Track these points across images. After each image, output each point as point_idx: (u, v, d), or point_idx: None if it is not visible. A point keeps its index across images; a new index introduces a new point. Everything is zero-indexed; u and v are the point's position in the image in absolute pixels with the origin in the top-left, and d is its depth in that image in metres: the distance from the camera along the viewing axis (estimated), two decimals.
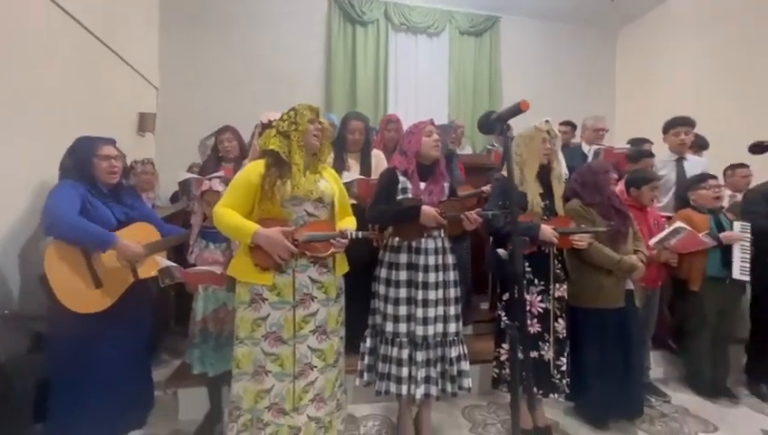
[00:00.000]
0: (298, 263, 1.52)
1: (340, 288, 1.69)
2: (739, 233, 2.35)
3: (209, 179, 1.88)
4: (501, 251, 1.46)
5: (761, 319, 2.55)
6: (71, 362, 1.67)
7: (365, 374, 1.81)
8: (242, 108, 3.23)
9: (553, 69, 5.15)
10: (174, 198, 3.10)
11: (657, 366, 2.63)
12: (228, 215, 1.48)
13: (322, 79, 4.59)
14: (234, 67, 4.29)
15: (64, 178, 1.76)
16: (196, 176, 2.17)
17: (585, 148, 3.31)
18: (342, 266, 1.67)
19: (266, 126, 2.04)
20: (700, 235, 2.27)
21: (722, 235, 2.35)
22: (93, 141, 1.80)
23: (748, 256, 2.37)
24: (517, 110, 1.00)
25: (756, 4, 3.63)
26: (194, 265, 1.80)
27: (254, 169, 1.56)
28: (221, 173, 2.20)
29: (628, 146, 3.02)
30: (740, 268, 2.35)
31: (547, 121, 3.02)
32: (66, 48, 2.61)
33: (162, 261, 1.65)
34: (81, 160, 1.75)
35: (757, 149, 1.86)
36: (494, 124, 1.06)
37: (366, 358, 1.81)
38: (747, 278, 2.34)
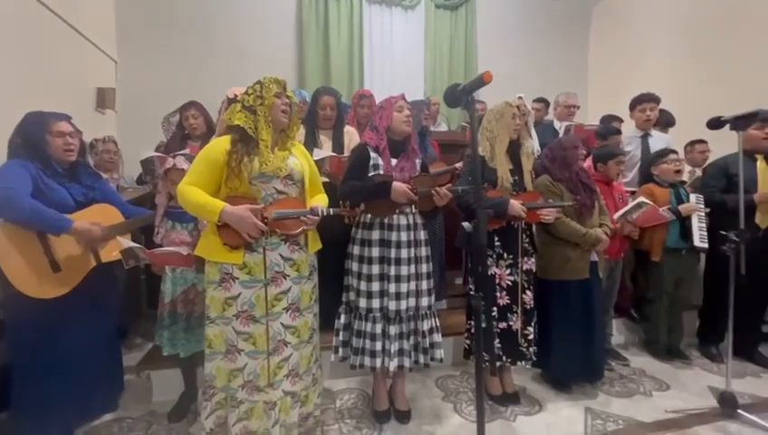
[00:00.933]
0: (269, 241, 1.50)
1: (313, 265, 1.68)
2: (695, 204, 2.47)
3: (173, 157, 1.80)
4: (466, 224, 1.48)
5: (713, 286, 2.72)
6: (32, 348, 1.60)
7: (340, 350, 1.84)
8: (209, 83, 3.11)
9: (528, 46, 5.15)
10: (141, 180, 2.97)
11: (618, 333, 2.80)
12: (193, 192, 1.44)
13: (294, 54, 4.43)
14: (199, 40, 4.07)
15: (13, 157, 1.64)
16: (158, 154, 2.07)
17: (557, 124, 3.36)
18: (315, 244, 1.66)
19: (233, 101, 1.97)
20: (660, 209, 2.38)
21: (680, 206, 2.47)
22: (45, 117, 1.69)
23: (705, 226, 2.50)
24: (481, 82, 1.00)
25: None
26: (160, 247, 1.75)
27: (218, 145, 1.50)
28: (186, 151, 2.12)
29: (598, 123, 3.09)
30: (699, 237, 2.48)
31: (520, 98, 3.04)
32: (11, 18, 2.40)
33: (125, 242, 1.59)
34: (31, 138, 1.64)
35: (714, 124, 1.92)
36: (460, 96, 1.05)
37: (341, 334, 1.84)
38: (706, 245, 2.47)
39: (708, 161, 2.99)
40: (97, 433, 1.78)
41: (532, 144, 3.07)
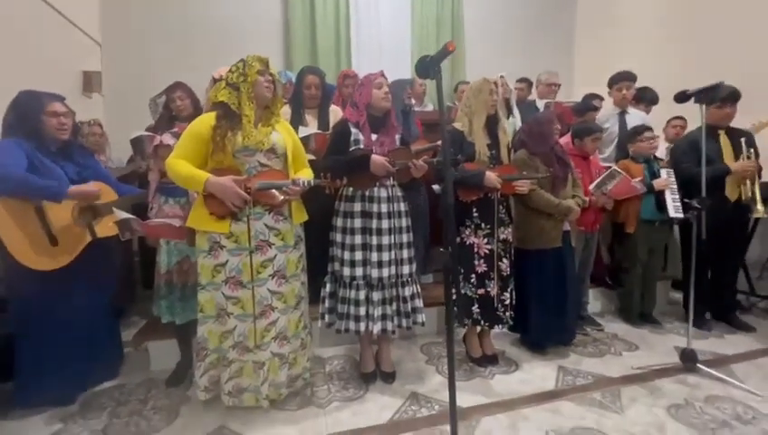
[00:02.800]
0: (253, 211, 1.59)
1: (299, 236, 1.78)
2: (666, 178, 2.58)
3: (160, 134, 1.87)
4: (435, 187, 1.58)
5: (687, 258, 2.84)
6: (33, 318, 1.70)
7: (326, 316, 1.94)
8: (195, 65, 3.10)
9: (515, 28, 5.16)
10: (131, 161, 3.02)
11: (594, 301, 2.94)
12: (180, 165, 1.52)
13: (280, 36, 4.44)
14: (185, 22, 4.06)
15: (7, 135, 1.70)
16: (147, 133, 2.12)
17: (539, 103, 3.44)
18: (300, 215, 1.75)
19: (218, 81, 2.02)
20: (632, 181, 2.49)
21: (654, 181, 2.58)
22: (41, 97, 1.74)
23: (678, 197, 2.62)
24: (446, 52, 1.08)
25: None
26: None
27: (204, 120, 1.58)
28: (175, 130, 2.17)
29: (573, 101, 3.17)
30: (674, 208, 2.59)
31: (502, 77, 3.12)
32: None
33: (120, 213, 1.67)
34: (27, 117, 1.70)
35: (680, 97, 2.01)
36: (429, 67, 1.13)
37: (327, 301, 1.94)
38: (681, 215, 2.58)
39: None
40: (98, 398, 1.88)
41: (513, 120, 3.17)
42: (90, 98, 3.56)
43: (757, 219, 2.54)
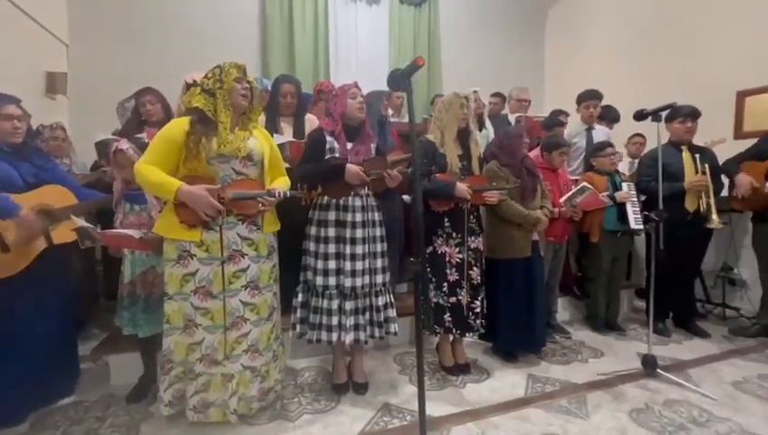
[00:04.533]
0: (226, 220, 1.56)
1: (272, 246, 1.75)
2: (627, 192, 2.73)
3: (117, 140, 1.81)
4: (406, 197, 1.60)
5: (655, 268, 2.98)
6: None
7: (298, 326, 1.91)
8: (167, 70, 3.04)
9: (489, 44, 5.35)
10: (96, 166, 2.90)
11: (563, 310, 3.04)
12: (150, 171, 1.47)
13: (258, 46, 4.42)
14: (157, 25, 3.97)
15: None
16: (113, 137, 2.06)
17: (510, 117, 3.56)
18: (271, 225, 1.73)
19: (192, 86, 1.99)
20: (600, 195, 2.61)
21: (616, 194, 2.72)
22: None
23: (639, 210, 2.76)
24: (415, 66, 1.12)
25: None
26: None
27: (177, 125, 1.54)
28: (143, 135, 2.12)
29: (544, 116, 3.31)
30: (634, 220, 2.74)
31: (475, 91, 3.22)
32: None
33: (78, 220, 1.60)
34: None
35: (639, 116, 2.14)
36: (400, 80, 1.16)
37: (299, 311, 1.91)
38: (641, 227, 2.72)
39: (643, 153, 3.28)
40: (51, 417, 1.76)
41: (486, 133, 3.27)
42: (53, 99, 3.42)
43: (711, 230, 2.71)
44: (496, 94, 3.89)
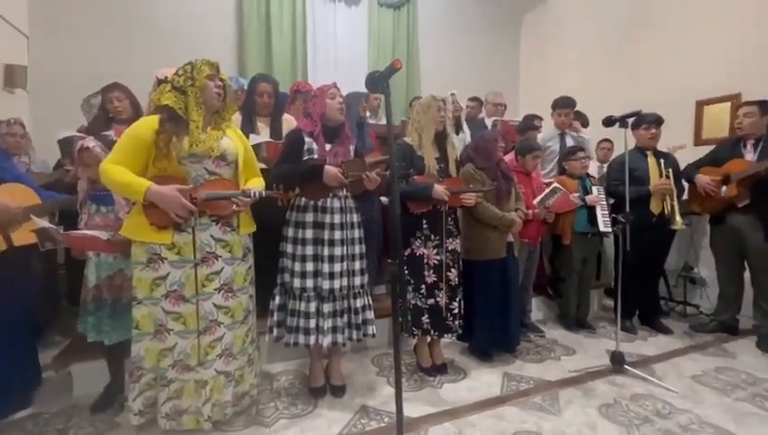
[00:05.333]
0: (199, 221, 1.52)
1: (247, 248, 1.72)
2: (597, 196, 2.84)
3: (82, 138, 1.73)
4: (383, 198, 1.61)
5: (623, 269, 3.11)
6: None
7: (275, 330, 1.88)
8: (137, 65, 2.93)
9: (466, 48, 5.46)
10: (59, 164, 2.75)
11: (537, 310, 3.13)
12: (117, 171, 1.42)
13: (234, 44, 4.32)
14: (125, 18, 3.82)
15: None
16: (78, 134, 1.96)
17: (487, 121, 3.64)
18: (247, 226, 1.69)
19: (162, 82, 1.93)
20: (571, 196, 2.70)
21: (587, 197, 2.83)
22: None
23: (608, 213, 2.88)
24: (393, 69, 1.13)
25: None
26: None
27: (146, 124, 1.49)
28: (111, 133, 2.03)
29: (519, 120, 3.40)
30: (603, 223, 2.85)
31: (453, 94, 3.27)
32: None
33: (39, 221, 1.52)
34: None
35: (607, 122, 2.23)
36: (378, 82, 1.16)
37: (275, 314, 1.88)
38: (610, 229, 2.83)
39: (611, 158, 3.42)
40: (8, 431, 1.66)
41: (464, 136, 3.32)
42: (12, 93, 3.22)
43: (674, 232, 2.86)
44: (473, 98, 3.97)
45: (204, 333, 1.53)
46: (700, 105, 3.61)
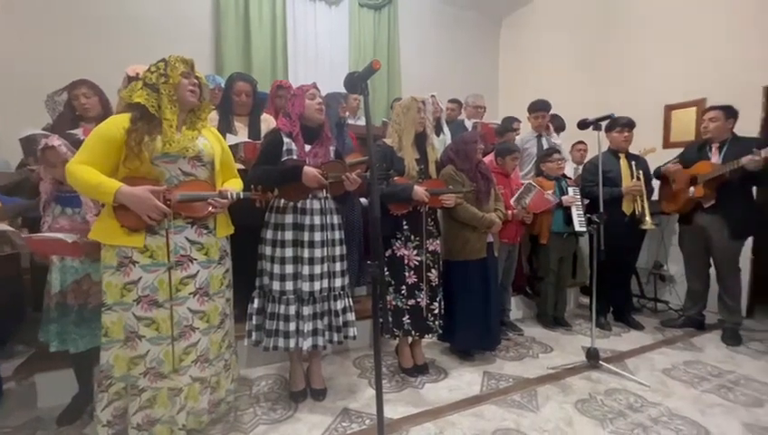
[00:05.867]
0: (173, 223, 1.47)
1: (225, 250, 1.67)
2: (572, 196, 2.91)
3: (47, 136, 1.64)
4: (363, 199, 1.60)
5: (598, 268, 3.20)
6: None
7: (253, 334, 1.84)
8: (108, 62, 2.83)
9: (446, 50, 5.50)
10: (22, 164, 2.61)
11: (516, 308, 3.18)
12: (85, 172, 1.35)
13: (211, 43, 4.21)
14: (97, 11, 3.65)
15: None
16: (43, 132, 1.86)
17: (467, 123, 3.68)
18: (225, 228, 1.65)
19: (133, 79, 1.86)
20: (545, 193, 2.76)
21: (563, 198, 2.90)
22: None
23: (582, 213, 2.96)
24: (372, 70, 1.12)
25: (609, 2, 4.37)
26: None
27: (116, 122, 1.43)
28: (79, 131, 1.95)
29: (499, 122, 3.45)
30: (578, 223, 2.93)
31: (433, 96, 3.29)
32: None
33: None
34: None
35: (581, 125, 2.30)
36: (356, 82, 1.15)
37: (254, 318, 1.84)
38: (584, 229, 2.92)
39: (586, 159, 3.53)
40: None
41: (444, 138, 3.35)
42: None
43: (645, 231, 2.96)
44: (453, 100, 4.01)
45: (178, 338, 1.48)
46: (668, 110, 3.76)
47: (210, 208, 1.50)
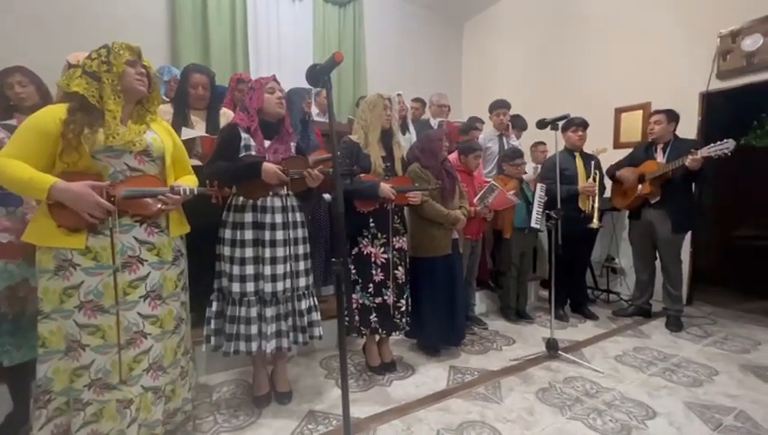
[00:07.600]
0: (119, 222, 1.36)
1: (179, 250, 1.58)
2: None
3: None
4: (326, 196, 1.57)
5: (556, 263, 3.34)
6: None
7: (212, 338, 1.76)
8: (51, 52, 2.59)
9: (411, 50, 5.54)
10: None
11: (480, 302, 3.26)
12: (14, 166, 1.23)
13: (166, 31, 3.98)
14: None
15: None
16: None
17: (432, 121, 3.72)
18: (179, 227, 1.56)
19: (74, 67, 1.71)
20: (507, 194, 2.85)
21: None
22: None
23: (541, 210, 3.08)
24: (334, 62, 1.09)
25: (564, 9, 4.57)
26: None
27: (50, 113, 1.31)
28: (13, 121, 1.77)
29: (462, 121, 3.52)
30: (534, 220, 3.04)
31: (399, 95, 3.29)
32: None
33: None
34: None
35: (540, 124, 2.38)
36: (318, 75, 1.12)
37: (212, 322, 1.76)
38: (539, 226, 3.04)
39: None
40: None
41: (410, 136, 3.36)
42: None
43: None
44: (417, 99, 4.03)
45: (126, 346, 1.38)
46: (618, 112, 4.00)
47: (161, 205, 1.40)
